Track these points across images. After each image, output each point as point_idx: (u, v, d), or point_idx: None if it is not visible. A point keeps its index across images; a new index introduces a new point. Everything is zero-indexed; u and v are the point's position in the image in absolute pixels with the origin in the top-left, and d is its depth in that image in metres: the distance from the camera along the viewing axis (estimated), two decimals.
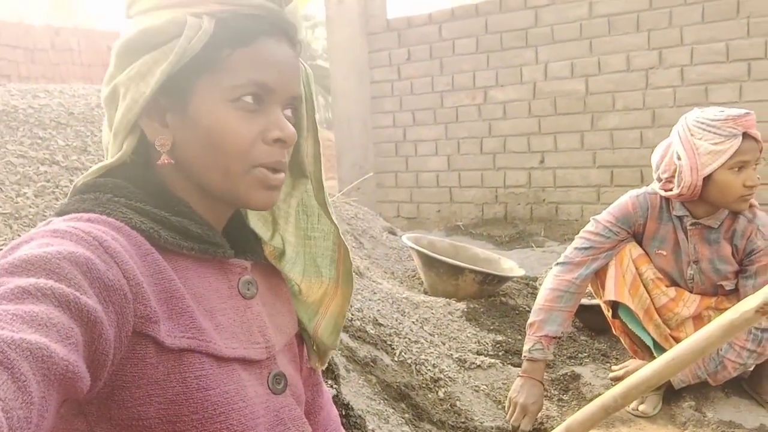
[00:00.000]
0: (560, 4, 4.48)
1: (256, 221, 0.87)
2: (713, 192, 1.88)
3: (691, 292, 2.07)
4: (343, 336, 2.00)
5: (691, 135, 1.87)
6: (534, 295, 2.83)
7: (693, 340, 1.37)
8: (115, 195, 0.69)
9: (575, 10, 4.42)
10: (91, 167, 0.76)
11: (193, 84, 0.70)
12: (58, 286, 0.53)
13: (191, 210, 0.73)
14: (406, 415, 1.83)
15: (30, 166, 1.70)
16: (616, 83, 4.34)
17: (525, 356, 1.98)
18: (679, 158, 1.89)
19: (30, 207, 1.56)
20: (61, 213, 0.69)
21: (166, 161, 0.72)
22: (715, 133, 1.83)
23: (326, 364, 0.94)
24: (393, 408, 1.82)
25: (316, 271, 0.88)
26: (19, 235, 1.47)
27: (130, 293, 0.61)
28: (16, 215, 1.50)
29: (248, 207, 0.74)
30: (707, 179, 1.86)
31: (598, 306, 2.30)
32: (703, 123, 1.86)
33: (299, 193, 0.87)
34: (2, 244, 1.43)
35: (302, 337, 0.90)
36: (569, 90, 4.51)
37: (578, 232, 2.14)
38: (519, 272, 2.96)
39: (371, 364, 1.95)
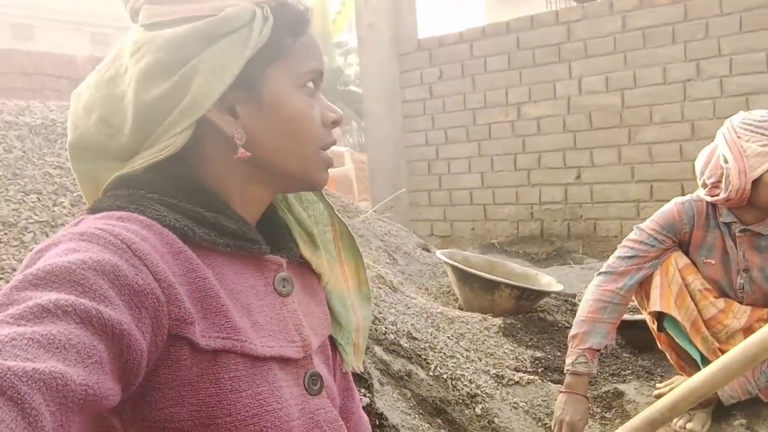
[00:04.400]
0: (592, 19, 4.44)
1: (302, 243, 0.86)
2: (763, 196, 1.80)
3: (741, 303, 1.98)
4: (377, 349, 1.96)
5: (738, 137, 1.80)
6: (573, 312, 2.74)
7: (744, 346, 1.29)
8: (149, 191, 0.68)
9: (608, 24, 4.37)
10: None
11: (263, 73, 0.71)
12: (80, 302, 0.51)
13: (226, 205, 0.71)
14: (442, 431, 1.77)
15: (67, 177, 1.73)
16: (653, 96, 4.26)
17: (568, 370, 1.89)
18: (725, 161, 1.82)
19: (66, 216, 1.58)
20: (94, 210, 0.67)
21: (245, 155, 0.71)
22: (762, 134, 1.76)
23: (361, 364, 0.90)
24: (429, 423, 1.77)
25: (328, 256, 0.87)
26: None
27: (163, 296, 0.59)
28: (53, 223, 1.51)
29: (315, 188, 0.78)
30: (756, 183, 1.78)
31: (642, 322, 2.21)
32: (750, 125, 1.79)
33: None
34: None
35: (333, 341, 0.87)
36: (605, 104, 4.43)
37: None
38: (557, 287, 2.88)
39: (406, 377, 1.91)
